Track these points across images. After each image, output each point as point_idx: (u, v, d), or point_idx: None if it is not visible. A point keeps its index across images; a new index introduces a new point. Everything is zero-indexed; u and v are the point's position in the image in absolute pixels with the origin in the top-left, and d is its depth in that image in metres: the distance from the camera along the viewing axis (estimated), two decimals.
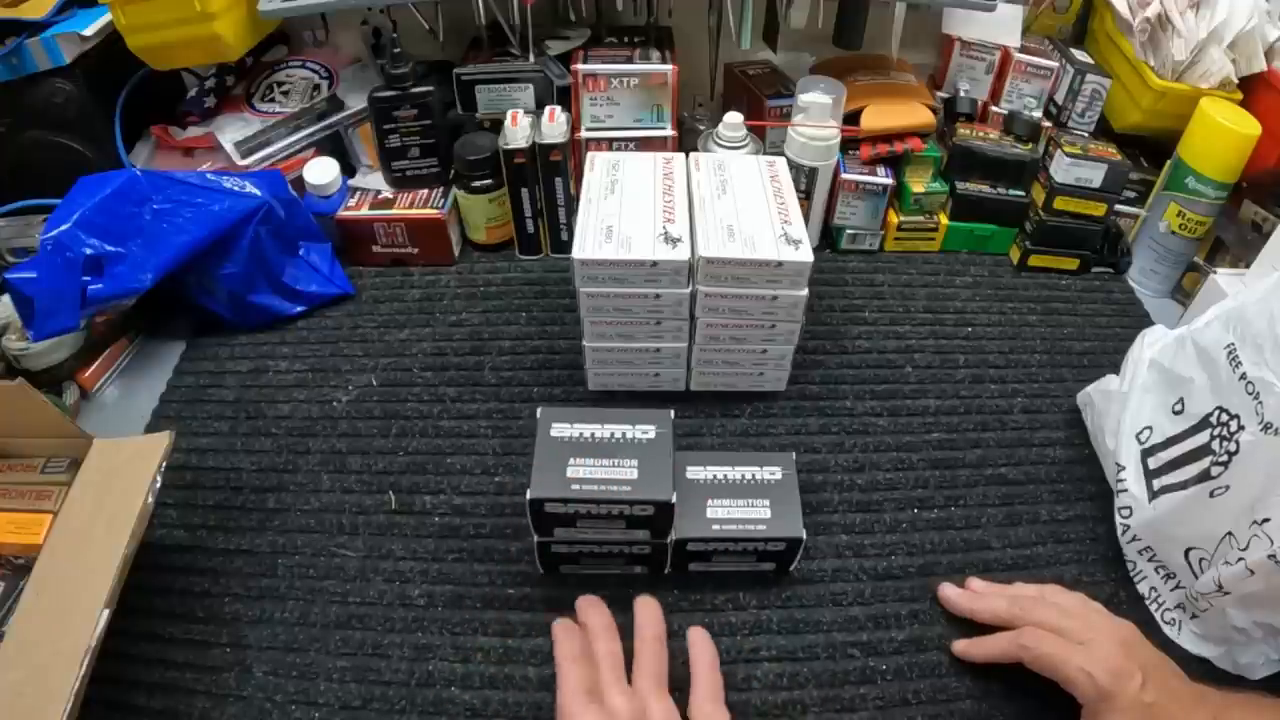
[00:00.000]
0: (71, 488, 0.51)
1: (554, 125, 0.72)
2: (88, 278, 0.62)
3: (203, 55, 0.73)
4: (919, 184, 0.79)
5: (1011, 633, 0.49)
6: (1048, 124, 0.81)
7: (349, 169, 0.81)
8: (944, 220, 0.80)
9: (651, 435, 0.51)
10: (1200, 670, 0.51)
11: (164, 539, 0.57)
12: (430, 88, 0.75)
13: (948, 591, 0.54)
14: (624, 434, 0.51)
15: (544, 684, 0.50)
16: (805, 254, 0.58)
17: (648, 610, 0.49)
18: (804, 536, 0.52)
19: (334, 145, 0.81)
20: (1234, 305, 0.53)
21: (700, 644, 0.48)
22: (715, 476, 0.54)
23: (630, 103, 0.76)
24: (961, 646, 0.51)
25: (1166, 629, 0.53)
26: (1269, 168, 0.73)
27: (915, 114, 0.77)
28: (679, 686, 0.46)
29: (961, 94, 0.82)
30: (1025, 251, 0.79)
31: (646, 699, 0.44)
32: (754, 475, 0.54)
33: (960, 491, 0.61)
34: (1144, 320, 0.76)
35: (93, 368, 0.68)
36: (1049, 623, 0.48)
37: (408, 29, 0.77)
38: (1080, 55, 0.81)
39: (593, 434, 0.51)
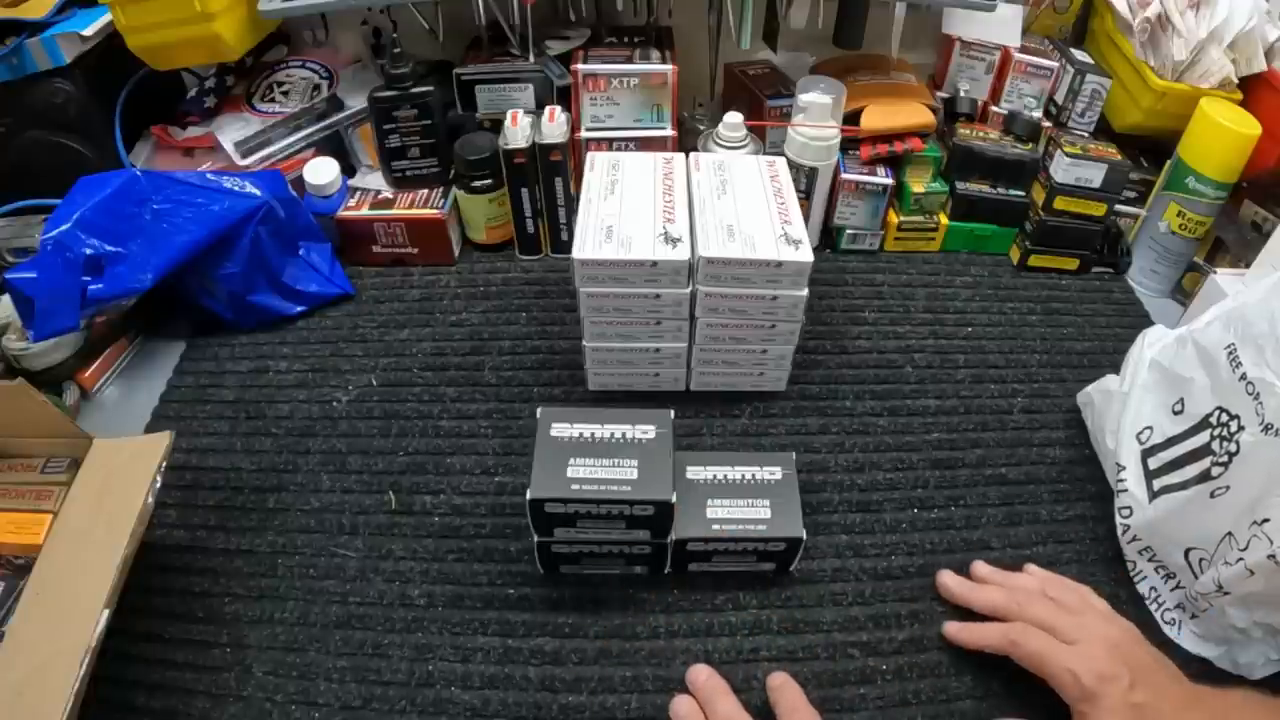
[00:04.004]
0: (71, 488, 0.51)
1: (554, 125, 0.72)
2: (88, 278, 0.62)
3: (203, 55, 0.73)
4: (919, 184, 0.79)
5: (1003, 625, 0.49)
6: (1048, 124, 0.81)
7: (349, 169, 0.81)
8: (944, 220, 0.80)
9: (651, 435, 0.51)
10: (1200, 670, 0.51)
11: (164, 539, 0.57)
12: (430, 88, 0.75)
13: (946, 579, 0.54)
14: (624, 434, 0.51)
15: (544, 684, 0.50)
16: (805, 254, 0.58)
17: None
18: (804, 536, 0.52)
19: (334, 145, 0.81)
20: (1234, 305, 0.53)
21: (786, 688, 0.48)
22: (715, 476, 0.54)
23: (630, 103, 0.76)
24: (953, 630, 0.51)
25: (1166, 629, 0.53)
26: (1269, 168, 0.73)
27: (915, 114, 0.77)
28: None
29: (961, 94, 0.82)
30: (1025, 251, 0.79)
31: None
32: (754, 475, 0.54)
33: (960, 491, 0.61)
34: (1144, 320, 0.76)
35: (93, 368, 0.68)
36: (1042, 619, 0.48)
37: (408, 29, 0.77)
38: (1080, 55, 0.81)
39: (593, 434, 0.51)
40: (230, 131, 0.78)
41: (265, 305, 0.72)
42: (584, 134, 0.77)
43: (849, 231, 0.81)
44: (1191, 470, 0.52)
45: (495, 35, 0.78)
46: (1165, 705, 0.44)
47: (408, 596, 0.54)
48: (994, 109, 0.82)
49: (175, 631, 0.52)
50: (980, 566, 0.54)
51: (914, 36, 0.83)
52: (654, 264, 0.58)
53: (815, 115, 0.72)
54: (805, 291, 0.59)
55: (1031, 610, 0.49)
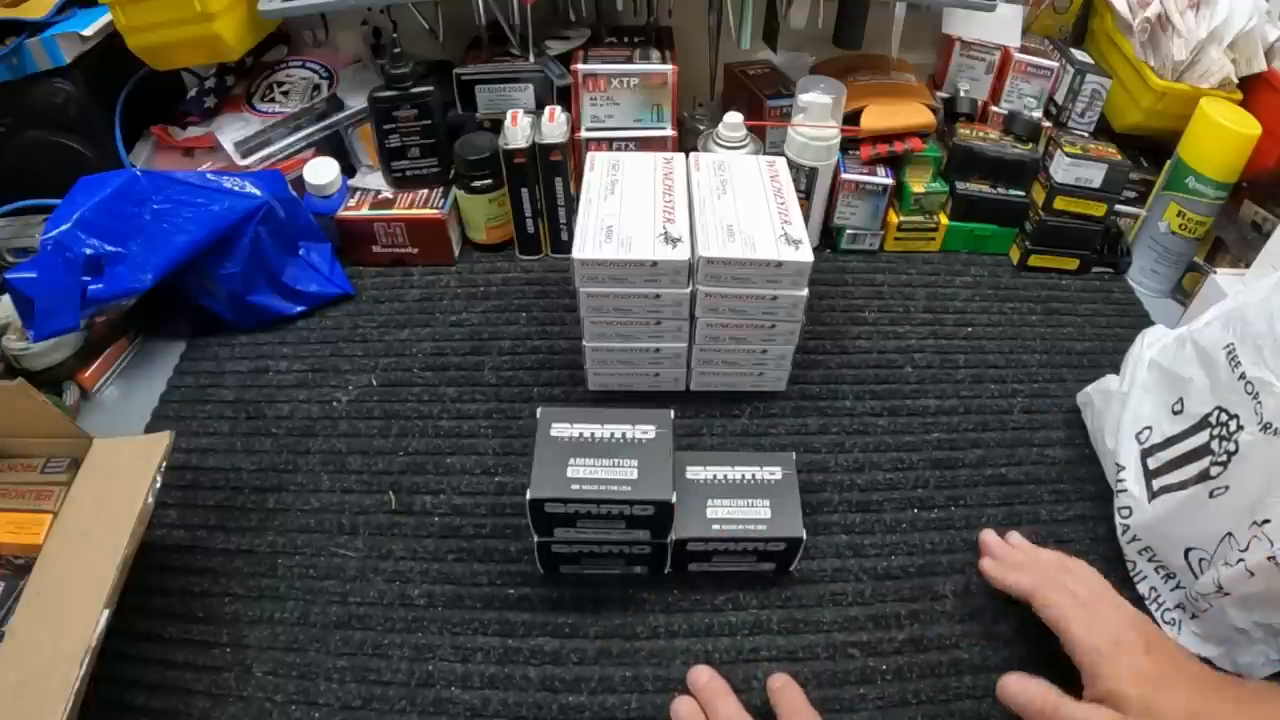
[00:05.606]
0: (71, 488, 0.51)
1: (554, 125, 0.72)
2: (88, 278, 0.62)
3: (203, 55, 0.73)
4: (919, 184, 0.79)
5: (1033, 580, 0.50)
6: (1048, 124, 0.81)
7: (349, 169, 0.81)
8: (944, 220, 0.80)
9: (651, 435, 0.51)
10: None
11: (164, 539, 0.57)
12: (430, 88, 0.75)
13: (989, 541, 0.56)
14: (624, 434, 0.51)
15: (544, 684, 0.50)
16: (805, 254, 0.58)
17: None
18: (804, 536, 0.52)
19: (334, 145, 0.81)
20: (1234, 305, 0.53)
21: (787, 689, 0.48)
22: (715, 476, 0.54)
23: (630, 103, 0.76)
24: (988, 565, 0.53)
25: (1166, 629, 0.53)
26: (1269, 168, 0.73)
27: (915, 114, 0.77)
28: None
29: (961, 94, 0.82)
30: (1025, 251, 0.79)
31: None
32: (754, 475, 0.54)
33: (960, 491, 0.61)
34: (1144, 320, 0.76)
35: (93, 368, 0.68)
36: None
37: (408, 29, 0.77)
38: (1080, 55, 0.81)
39: (593, 434, 0.51)
40: (230, 131, 0.78)
41: (265, 305, 0.72)
42: (584, 134, 0.77)
43: (849, 231, 0.81)
44: (1191, 470, 0.52)
45: (495, 35, 0.78)
46: (1180, 675, 0.44)
47: (408, 596, 0.54)
48: (994, 109, 0.82)
49: (175, 631, 0.52)
50: (1014, 536, 0.56)
51: (914, 36, 0.83)
52: (654, 264, 0.58)
53: (815, 115, 0.72)
54: (805, 291, 0.59)
55: (1056, 594, 0.50)
